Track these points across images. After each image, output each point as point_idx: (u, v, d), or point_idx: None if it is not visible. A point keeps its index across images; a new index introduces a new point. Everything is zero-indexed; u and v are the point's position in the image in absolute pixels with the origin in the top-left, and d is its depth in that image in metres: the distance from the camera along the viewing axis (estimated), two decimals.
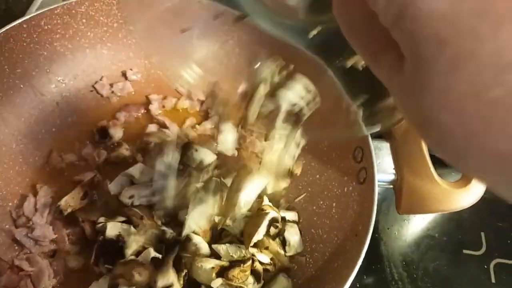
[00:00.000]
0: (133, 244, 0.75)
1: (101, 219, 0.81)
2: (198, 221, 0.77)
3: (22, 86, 0.91)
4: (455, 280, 0.92)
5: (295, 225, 0.84)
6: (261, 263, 0.76)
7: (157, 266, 0.73)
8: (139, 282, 0.72)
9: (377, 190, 0.75)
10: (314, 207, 0.90)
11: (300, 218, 0.89)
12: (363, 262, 0.70)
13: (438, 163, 0.81)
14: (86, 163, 0.93)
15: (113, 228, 0.79)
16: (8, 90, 0.89)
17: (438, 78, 0.24)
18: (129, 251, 0.76)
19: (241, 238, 0.80)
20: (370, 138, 0.80)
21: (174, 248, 0.76)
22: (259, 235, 0.77)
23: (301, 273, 0.82)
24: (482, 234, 0.98)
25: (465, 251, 0.96)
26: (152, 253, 0.75)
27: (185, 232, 0.76)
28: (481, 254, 0.96)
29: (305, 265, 0.83)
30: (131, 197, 0.82)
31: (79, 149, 0.94)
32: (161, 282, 0.71)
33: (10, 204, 0.85)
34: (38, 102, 0.94)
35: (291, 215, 0.86)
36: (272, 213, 0.79)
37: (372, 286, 0.90)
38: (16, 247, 0.81)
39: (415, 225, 0.99)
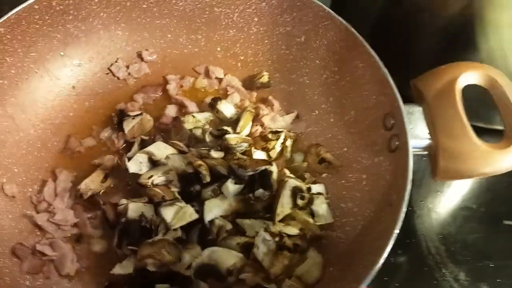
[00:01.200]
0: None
1: (123, 201, 0.79)
2: (215, 210, 0.74)
3: (37, 70, 0.89)
4: (496, 253, 0.86)
5: (321, 196, 0.80)
6: (289, 236, 0.73)
7: (182, 244, 0.71)
8: (169, 262, 0.69)
9: (412, 156, 0.71)
10: (343, 181, 0.85)
11: (328, 193, 0.85)
12: (397, 236, 0.65)
13: (477, 131, 0.75)
14: (105, 147, 0.91)
15: (135, 209, 0.77)
16: (23, 74, 0.87)
17: None
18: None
19: (267, 215, 0.77)
20: (401, 103, 0.75)
21: (197, 225, 0.73)
22: (285, 208, 0.74)
23: (332, 248, 0.77)
24: None
25: (505, 222, 0.90)
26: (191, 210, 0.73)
27: (206, 219, 0.73)
28: None
29: (336, 240, 0.78)
30: (150, 177, 0.79)
31: (97, 133, 0.91)
32: (187, 258, 0.68)
33: (30, 190, 0.84)
34: (54, 86, 0.92)
35: (316, 187, 0.82)
36: (291, 181, 0.75)
37: (408, 261, 0.85)
38: (38, 233, 0.80)
39: (450, 197, 0.93)
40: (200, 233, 0.73)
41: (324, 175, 0.87)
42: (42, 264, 0.76)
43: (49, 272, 0.75)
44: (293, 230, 0.74)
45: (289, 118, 0.94)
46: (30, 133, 0.87)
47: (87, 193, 0.82)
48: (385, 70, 0.79)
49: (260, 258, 0.68)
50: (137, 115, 0.90)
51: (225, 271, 0.68)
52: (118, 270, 0.74)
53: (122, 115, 0.91)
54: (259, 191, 0.74)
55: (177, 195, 0.77)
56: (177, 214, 0.73)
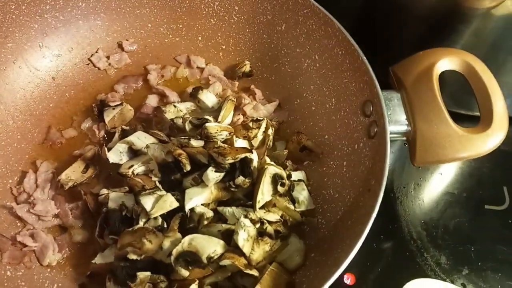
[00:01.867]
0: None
1: (103, 191, 0.79)
2: (196, 198, 0.74)
3: (15, 61, 0.88)
4: (477, 237, 0.87)
5: (301, 183, 0.80)
6: (270, 223, 0.73)
7: (162, 232, 0.71)
8: (150, 250, 0.69)
9: (389, 141, 0.71)
10: (324, 168, 0.86)
11: (310, 180, 0.85)
12: (379, 222, 0.66)
13: (457, 118, 0.76)
14: (86, 138, 0.90)
15: (115, 199, 0.77)
16: (1, 65, 0.86)
17: None
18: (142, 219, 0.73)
19: (248, 203, 0.77)
20: (379, 90, 0.76)
21: (177, 214, 0.73)
22: (265, 194, 0.74)
23: (313, 234, 0.78)
24: (505, 188, 0.93)
25: (487, 207, 0.91)
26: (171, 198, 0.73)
27: (186, 207, 0.73)
28: (505, 209, 0.91)
29: (318, 226, 0.79)
30: (130, 167, 0.79)
31: (78, 123, 0.91)
32: (168, 246, 0.68)
33: (10, 181, 0.83)
34: (33, 78, 0.91)
35: (297, 174, 0.82)
36: (271, 168, 0.75)
37: (390, 246, 0.86)
38: (19, 224, 0.79)
39: (433, 183, 0.94)
40: (181, 221, 0.73)
41: (305, 163, 0.88)
42: (23, 255, 0.75)
43: (30, 263, 0.75)
44: (273, 216, 0.74)
45: (271, 107, 0.94)
46: (9, 125, 0.86)
47: (68, 184, 0.81)
48: (364, 58, 0.79)
49: (240, 244, 0.68)
50: (118, 105, 0.89)
51: (206, 258, 0.68)
52: (99, 259, 0.73)
53: (103, 105, 0.90)
54: (239, 179, 0.74)
55: (157, 184, 0.77)
56: (157, 203, 0.72)
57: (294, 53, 0.93)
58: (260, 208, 0.75)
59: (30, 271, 0.75)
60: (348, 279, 0.82)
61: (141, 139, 0.83)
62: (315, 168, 0.86)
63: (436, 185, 0.94)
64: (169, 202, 0.73)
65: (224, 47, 0.99)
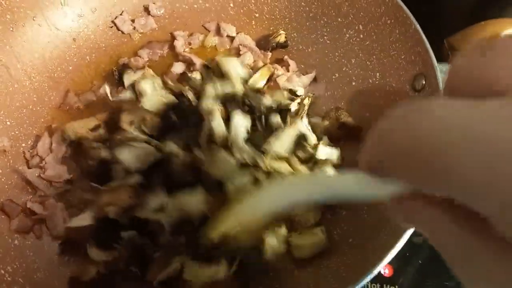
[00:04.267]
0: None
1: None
2: None
3: (34, 18, 0.82)
4: None
5: (328, 162, 0.72)
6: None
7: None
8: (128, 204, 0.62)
9: None
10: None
11: (344, 160, 0.77)
12: None
13: None
14: (106, 104, 0.83)
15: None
16: (19, 21, 0.80)
17: None
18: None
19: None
20: (435, 60, 0.67)
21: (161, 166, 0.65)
22: (280, 146, 0.65)
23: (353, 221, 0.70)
24: None
25: None
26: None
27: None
28: None
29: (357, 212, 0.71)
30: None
31: (98, 88, 0.84)
32: (153, 202, 0.62)
33: (23, 145, 0.77)
34: (53, 37, 0.85)
35: (328, 151, 0.73)
36: (302, 126, 0.69)
37: None
38: (30, 190, 0.73)
39: None
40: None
41: (341, 142, 0.80)
42: (32, 223, 0.69)
43: (41, 232, 0.69)
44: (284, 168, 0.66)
45: (307, 79, 0.86)
46: (25, 85, 0.80)
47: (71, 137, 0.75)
48: (418, 26, 0.71)
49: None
50: (140, 69, 0.83)
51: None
52: (75, 222, 0.66)
53: (124, 68, 0.84)
54: (276, 119, 0.66)
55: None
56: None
57: (335, 23, 0.85)
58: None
59: (39, 241, 0.68)
60: (385, 269, 0.74)
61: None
62: (352, 146, 0.78)
63: None
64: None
65: (257, 15, 0.92)
